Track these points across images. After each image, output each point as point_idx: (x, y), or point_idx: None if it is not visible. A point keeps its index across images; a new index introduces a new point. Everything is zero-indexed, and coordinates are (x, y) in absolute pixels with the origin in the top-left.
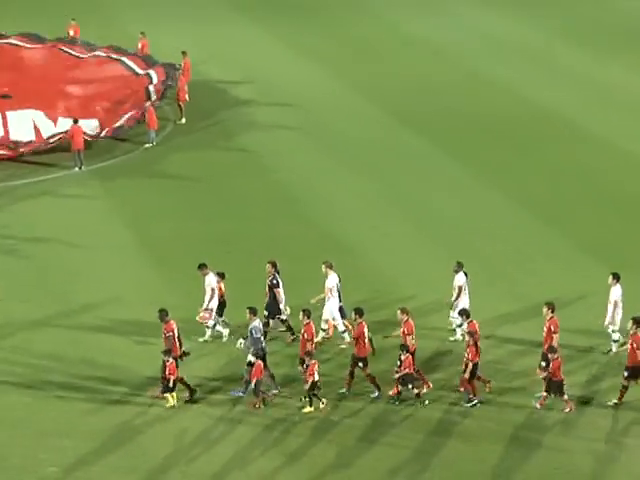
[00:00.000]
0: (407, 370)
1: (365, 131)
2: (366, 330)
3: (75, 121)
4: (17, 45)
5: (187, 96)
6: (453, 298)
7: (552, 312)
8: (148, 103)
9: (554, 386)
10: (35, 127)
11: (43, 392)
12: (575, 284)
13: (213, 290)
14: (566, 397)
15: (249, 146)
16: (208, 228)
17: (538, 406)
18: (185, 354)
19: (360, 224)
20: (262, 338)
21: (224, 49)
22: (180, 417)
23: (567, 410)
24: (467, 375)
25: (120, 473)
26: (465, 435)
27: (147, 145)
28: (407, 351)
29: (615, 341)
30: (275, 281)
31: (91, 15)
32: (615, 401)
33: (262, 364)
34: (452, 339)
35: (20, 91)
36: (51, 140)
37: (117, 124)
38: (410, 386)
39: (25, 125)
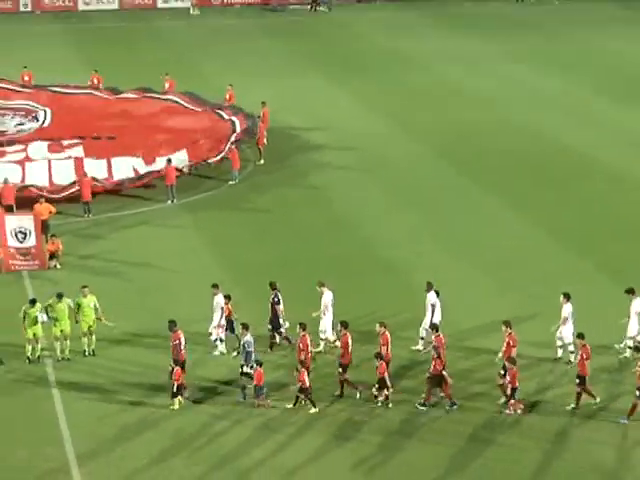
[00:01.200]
0: (385, 374)
1: (417, 170)
2: (350, 340)
3: (169, 161)
4: (127, 98)
5: (265, 140)
6: (427, 316)
7: (509, 328)
8: (232, 145)
9: (513, 392)
10: (134, 169)
11: (142, 394)
12: (602, 307)
13: (222, 309)
14: (514, 400)
15: (318, 184)
16: (280, 253)
17: (512, 412)
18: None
19: (409, 251)
20: (253, 350)
21: (299, 100)
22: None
23: (519, 412)
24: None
25: (201, 465)
26: (427, 435)
27: (231, 182)
28: (381, 359)
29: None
30: (276, 299)
31: (181, 69)
32: (573, 405)
33: (262, 371)
34: (414, 348)
35: (124, 139)
36: (146, 177)
37: (204, 162)
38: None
39: (126, 169)
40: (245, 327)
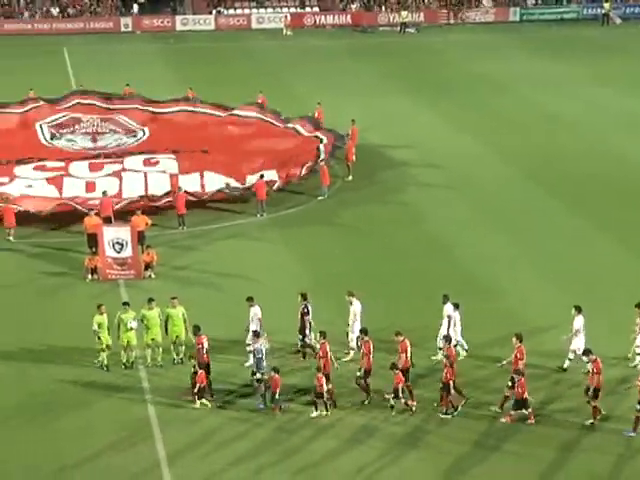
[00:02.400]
0: (400, 385)
1: (505, 190)
2: (371, 347)
3: (261, 176)
4: (221, 116)
5: (354, 157)
6: (443, 326)
7: (520, 342)
8: (321, 162)
9: (519, 403)
10: (226, 185)
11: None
12: None
13: (260, 319)
14: (525, 412)
15: (405, 200)
16: (368, 268)
17: (507, 420)
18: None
19: (495, 270)
20: (263, 357)
21: (387, 119)
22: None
23: (529, 422)
24: (449, 392)
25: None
26: (434, 440)
27: (320, 198)
28: (397, 369)
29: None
30: (306, 310)
31: (274, 87)
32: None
33: (278, 378)
34: (433, 358)
35: (217, 156)
36: (237, 192)
37: (293, 178)
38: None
39: (218, 183)
40: (256, 335)
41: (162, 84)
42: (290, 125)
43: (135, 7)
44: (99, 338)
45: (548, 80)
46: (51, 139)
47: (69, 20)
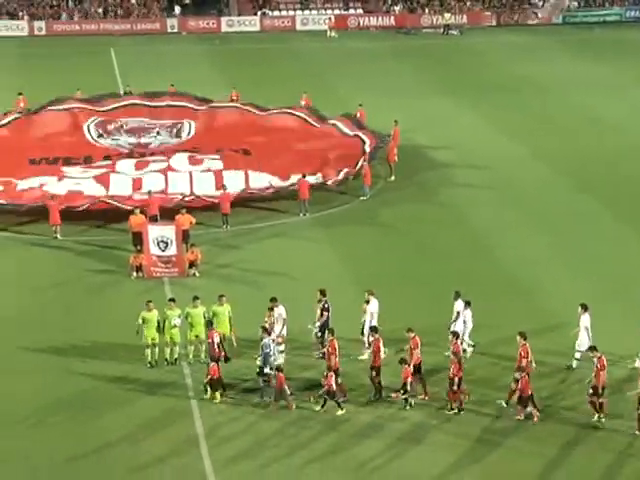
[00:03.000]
0: (409, 379)
1: (546, 192)
2: (381, 345)
3: (303, 175)
4: (265, 115)
5: (396, 158)
6: (452, 321)
7: (524, 340)
8: (364, 162)
9: (523, 400)
10: (270, 183)
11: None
12: None
13: (285, 320)
14: (529, 409)
15: (447, 201)
16: (408, 268)
17: (519, 416)
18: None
19: (536, 270)
20: (271, 353)
21: (429, 120)
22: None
23: (534, 420)
24: (454, 387)
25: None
26: (437, 436)
27: (362, 198)
28: (407, 364)
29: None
30: (326, 305)
31: (318, 88)
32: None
33: (283, 377)
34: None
35: (260, 156)
36: (281, 191)
37: (336, 178)
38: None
39: (262, 182)
40: (264, 330)
41: (207, 85)
42: (332, 122)
43: (177, 9)
44: (137, 333)
45: (591, 82)
46: (98, 138)
47: (116, 21)
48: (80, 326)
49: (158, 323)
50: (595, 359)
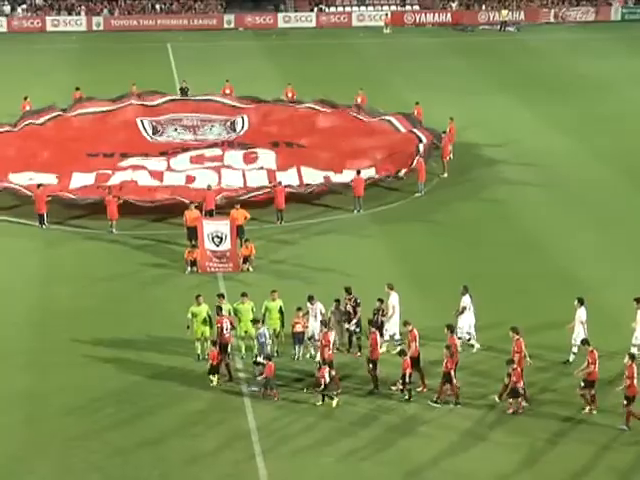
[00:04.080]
0: (408, 370)
1: (600, 191)
2: (378, 338)
3: (358, 172)
4: (313, 109)
5: (451, 155)
6: (458, 315)
7: (517, 335)
8: (419, 159)
9: (514, 392)
10: (325, 177)
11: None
12: None
13: (323, 315)
14: (519, 400)
15: (500, 198)
16: (461, 266)
17: (510, 410)
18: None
19: (589, 267)
20: (267, 342)
21: (484, 117)
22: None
23: (520, 410)
24: (445, 381)
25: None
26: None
27: (417, 194)
28: (405, 355)
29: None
30: (358, 301)
31: (373, 84)
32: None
33: (273, 365)
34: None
35: (314, 150)
36: (336, 186)
37: (390, 174)
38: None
39: (316, 178)
40: (257, 321)
41: (263, 80)
42: (387, 118)
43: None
44: (188, 327)
45: None
46: (153, 134)
47: (173, 17)
48: (133, 319)
49: (208, 317)
50: (587, 354)
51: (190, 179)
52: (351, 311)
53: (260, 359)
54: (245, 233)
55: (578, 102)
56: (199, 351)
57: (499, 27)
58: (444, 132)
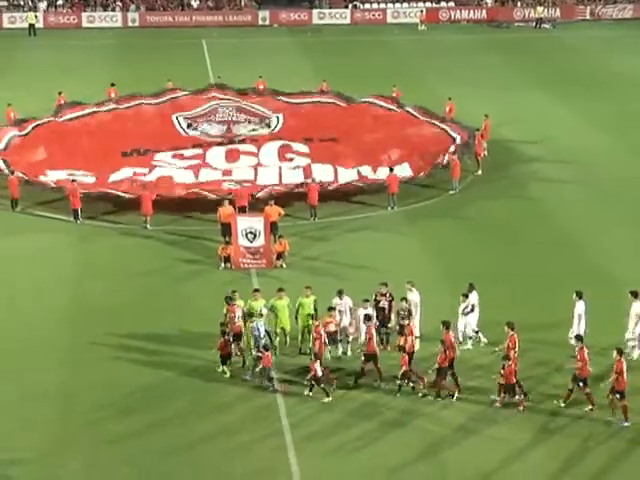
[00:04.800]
0: (405, 367)
1: (636, 188)
2: (374, 332)
3: (391, 169)
4: (354, 106)
5: (485, 152)
6: (467, 311)
7: (512, 330)
8: (453, 156)
9: (508, 388)
10: (359, 174)
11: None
12: None
13: (351, 309)
14: (517, 398)
15: (535, 195)
16: (495, 263)
17: (498, 404)
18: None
19: (624, 265)
20: (261, 336)
21: (519, 114)
22: None
23: (520, 409)
24: (437, 376)
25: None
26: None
27: (451, 192)
28: (404, 352)
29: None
30: (392, 296)
31: (407, 81)
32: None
33: (270, 355)
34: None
35: (349, 146)
36: (370, 183)
37: (424, 171)
38: (406, 381)
39: (351, 176)
40: (250, 315)
41: (297, 77)
42: (421, 115)
43: None
44: (223, 323)
45: None
46: (187, 128)
47: (208, 13)
48: (167, 315)
49: (243, 313)
50: (577, 349)
51: (226, 174)
52: (386, 307)
53: (254, 352)
54: (279, 229)
55: (614, 99)
56: (233, 346)
57: (534, 24)
58: (478, 130)
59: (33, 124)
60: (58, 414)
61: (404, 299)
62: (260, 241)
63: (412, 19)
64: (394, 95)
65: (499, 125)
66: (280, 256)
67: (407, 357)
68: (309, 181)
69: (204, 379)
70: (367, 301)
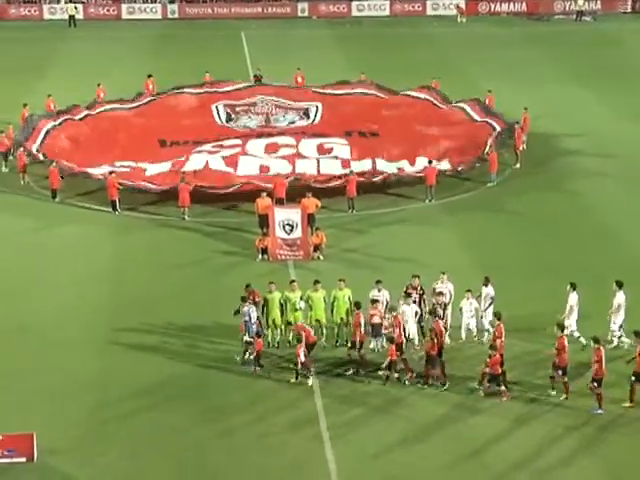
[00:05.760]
0: (391, 357)
1: None
2: (362, 321)
3: (430, 162)
4: (394, 98)
5: (524, 145)
6: (483, 307)
7: (498, 320)
8: (491, 148)
9: (493, 378)
10: (398, 168)
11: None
12: None
13: (388, 302)
14: (502, 388)
15: (575, 189)
16: (532, 256)
17: (481, 392)
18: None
19: None
20: (252, 321)
21: (559, 107)
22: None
23: (504, 399)
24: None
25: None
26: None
27: (489, 184)
28: (392, 342)
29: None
30: (423, 290)
31: (447, 74)
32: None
33: (262, 341)
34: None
35: (388, 139)
36: (407, 176)
37: (463, 164)
38: (392, 371)
39: (389, 169)
40: (243, 299)
41: (335, 69)
42: (461, 106)
43: None
44: (262, 314)
45: None
46: (227, 121)
47: (247, 5)
48: (203, 306)
49: (280, 304)
50: (556, 339)
51: (264, 169)
52: (417, 300)
53: (246, 337)
54: (316, 221)
55: None
56: (270, 337)
57: (575, 16)
58: (517, 122)
59: (69, 116)
60: (96, 404)
61: (440, 293)
62: (297, 233)
63: (452, 11)
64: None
65: (538, 118)
66: (317, 248)
67: (395, 347)
68: (347, 172)
69: (240, 371)
70: (409, 296)
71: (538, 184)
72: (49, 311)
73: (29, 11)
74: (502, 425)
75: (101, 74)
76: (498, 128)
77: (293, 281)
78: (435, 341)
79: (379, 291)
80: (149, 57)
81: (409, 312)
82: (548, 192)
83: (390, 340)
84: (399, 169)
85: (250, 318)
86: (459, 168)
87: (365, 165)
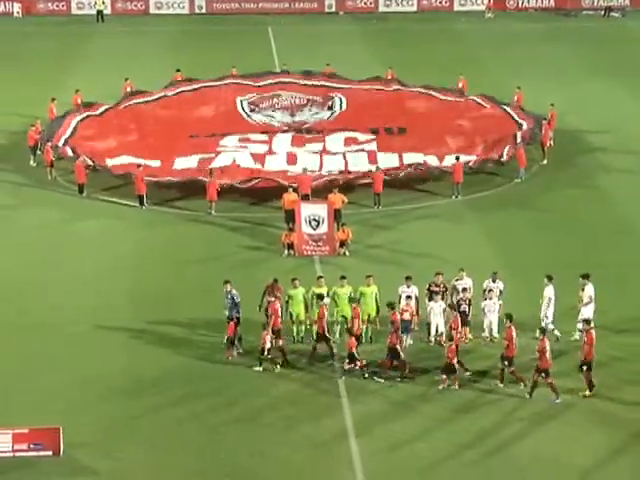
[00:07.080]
0: (353, 349)
1: None
2: (278, 308)
3: (457, 158)
4: (420, 93)
5: (551, 141)
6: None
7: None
8: (519, 144)
9: (447, 368)
10: (425, 163)
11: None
12: None
13: (417, 298)
14: (454, 377)
15: (602, 186)
16: (560, 252)
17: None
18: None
19: None
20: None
21: (586, 104)
22: None
23: (454, 387)
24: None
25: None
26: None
27: (517, 180)
28: (352, 334)
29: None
30: (446, 287)
31: (474, 70)
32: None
33: (234, 325)
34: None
35: (415, 134)
36: (434, 171)
37: (490, 160)
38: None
39: (419, 160)
40: (226, 282)
41: (363, 64)
42: (487, 103)
43: None
44: (285, 310)
45: None
46: (250, 113)
47: (275, 0)
48: None
49: (304, 300)
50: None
51: (292, 158)
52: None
53: (226, 313)
54: (342, 217)
55: None
56: (295, 334)
57: (603, 12)
58: (545, 119)
59: (94, 111)
60: (120, 397)
61: (464, 289)
62: (323, 228)
63: (479, 7)
64: (460, 85)
65: (565, 114)
66: (343, 244)
67: (354, 339)
68: (374, 169)
69: (265, 365)
70: (437, 294)
71: (565, 181)
72: (73, 305)
73: (57, 6)
74: (525, 422)
75: (129, 69)
76: (525, 124)
77: (321, 277)
78: (396, 333)
79: (408, 287)
80: (176, 52)
81: (437, 309)
82: (575, 189)
83: (350, 332)
84: (426, 163)
85: (232, 302)
86: (485, 164)
87: (392, 160)
